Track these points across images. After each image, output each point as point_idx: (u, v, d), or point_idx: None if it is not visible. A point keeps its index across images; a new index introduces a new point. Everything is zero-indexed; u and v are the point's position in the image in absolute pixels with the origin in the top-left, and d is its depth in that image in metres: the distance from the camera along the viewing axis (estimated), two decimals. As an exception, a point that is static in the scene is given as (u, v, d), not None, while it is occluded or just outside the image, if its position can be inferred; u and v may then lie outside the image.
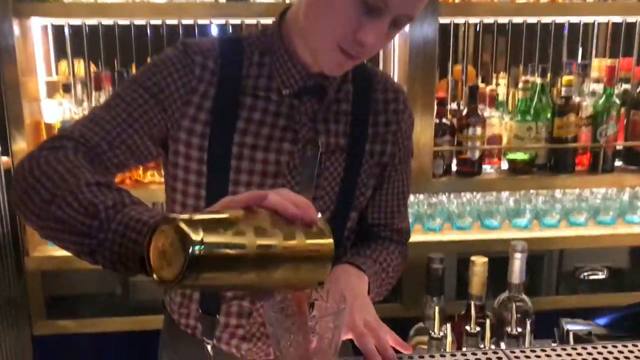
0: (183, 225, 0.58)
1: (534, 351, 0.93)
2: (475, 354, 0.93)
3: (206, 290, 0.65)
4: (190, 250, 0.57)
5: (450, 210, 2.23)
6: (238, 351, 1.15)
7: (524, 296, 1.27)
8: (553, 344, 1.05)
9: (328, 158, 1.08)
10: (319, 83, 1.06)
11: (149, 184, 2.06)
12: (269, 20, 1.93)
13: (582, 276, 2.27)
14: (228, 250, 0.60)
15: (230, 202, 0.70)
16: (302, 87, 1.05)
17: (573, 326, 1.28)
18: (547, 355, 0.92)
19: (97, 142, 0.94)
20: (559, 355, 0.92)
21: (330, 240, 0.71)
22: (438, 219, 2.21)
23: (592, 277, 2.27)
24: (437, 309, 1.13)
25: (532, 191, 2.29)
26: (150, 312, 2.08)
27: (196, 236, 0.58)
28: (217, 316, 1.11)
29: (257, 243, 0.62)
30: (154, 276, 0.62)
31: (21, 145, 1.93)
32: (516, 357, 0.92)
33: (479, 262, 1.23)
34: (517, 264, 1.24)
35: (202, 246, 0.58)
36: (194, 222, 0.59)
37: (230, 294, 1.11)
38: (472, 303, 1.16)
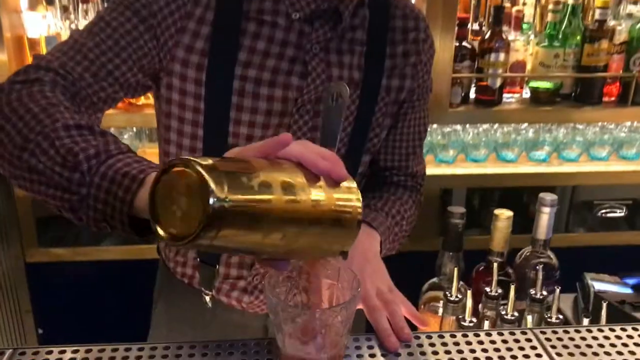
0: (205, 173, 0.47)
1: (567, 332, 0.83)
2: (502, 334, 0.83)
3: (221, 252, 0.55)
4: (213, 204, 0.47)
5: (465, 141, 2.09)
6: (239, 303, 1.06)
7: (549, 252, 1.16)
8: (585, 321, 0.95)
9: None
10: (333, 6, 0.91)
11: (142, 107, 1.91)
12: None
13: (599, 213, 2.16)
14: (254, 206, 0.50)
15: (244, 151, 0.59)
16: (315, 11, 0.91)
17: (599, 284, 1.18)
18: (582, 338, 0.82)
19: (80, 74, 0.81)
20: (594, 338, 0.83)
21: (360, 202, 0.61)
22: (452, 150, 2.07)
23: (610, 215, 2.16)
24: (455, 271, 1.02)
25: (552, 124, 2.14)
26: (148, 240, 2.00)
27: (220, 190, 0.47)
28: (217, 266, 1.02)
29: (284, 199, 0.52)
30: (159, 231, 0.51)
31: (1, 58, 1.76)
32: (547, 338, 0.82)
33: (503, 217, 1.11)
34: (545, 218, 1.12)
35: (226, 201, 0.48)
36: (216, 171, 0.48)
37: None
38: (494, 264, 1.05)
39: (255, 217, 0.50)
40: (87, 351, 0.77)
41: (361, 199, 0.61)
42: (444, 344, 0.80)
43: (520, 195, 2.24)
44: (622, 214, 2.18)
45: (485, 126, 2.12)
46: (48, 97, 0.74)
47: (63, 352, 0.77)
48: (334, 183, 0.59)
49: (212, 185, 0.47)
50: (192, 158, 0.49)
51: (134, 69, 0.87)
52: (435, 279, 1.18)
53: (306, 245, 0.58)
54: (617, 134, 2.14)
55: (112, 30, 0.85)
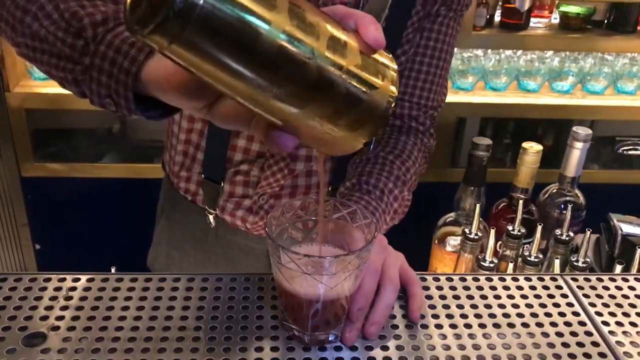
0: None
1: (600, 280, 0.76)
2: (529, 279, 0.76)
3: (193, 74, 0.39)
4: None
5: (486, 67, 1.96)
6: (243, 223, 1.00)
7: (576, 191, 1.08)
8: (619, 267, 0.88)
9: None
10: None
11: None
12: None
13: (620, 150, 2.07)
14: (242, 13, 0.35)
15: None
16: None
17: (627, 227, 1.11)
18: (618, 288, 0.75)
19: None
20: (631, 288, 0.75)
21: (396, 85, 0.46)
22: (470, 77, 1.95)
23: (631, 152, 2.07)
24: (477, 207, 0.94)
25: (580, 52, 2.01)
26: (149, 157, 1.93)
27: None
28: (222, 183, 0.97)
29: (286, 26, 0.37)
30: (127, 10, 0.38)
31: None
32: (579, 286, 0.75)
33: (532, 151, 1.02)
34: (576, 154, 1.03)
35: None
36: None
37: (238, 157, 0.93)
38: (519, 202, 0.97)
39: (241, 31, 0.36)
40: (75, 280, 0.71)
41: (397, 79, 0.46)
42: (466, 288, 0.73)
43: (537, 127, 2.15)
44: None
45: (508, 52, 1.99)
46: None
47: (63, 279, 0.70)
48: (367, 47, 0.44)
49: None
50: None
51: None
52: (452, 214, 1.11)
53: (312, 115, 0.43)
54: (647, 66, 2.01)
55: None
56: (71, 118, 2.02)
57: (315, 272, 0.57)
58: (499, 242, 1.03)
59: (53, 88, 1.83)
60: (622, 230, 1.08)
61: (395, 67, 0.47)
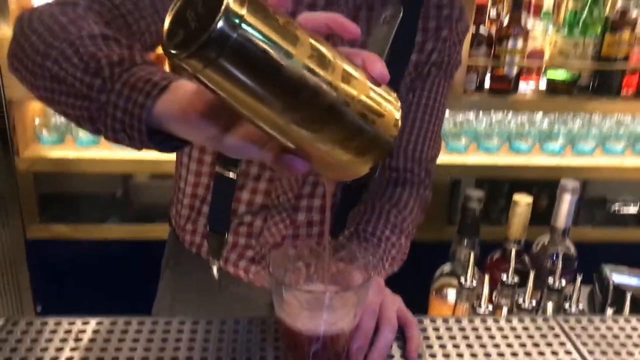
0: None
1: (591, 321, 0.79)
2: (523, 320, 0.79)
3: (220, 97, 0.43)
4: (225, 13, 0.39)
5: (478, 130, 2.04)
6: (246, 274, 1.03)
7: (568, 242, 1.12)
8: (610, 310, 0.90)
9: None
10: None
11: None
12: None
13: (612, 209, 2.12)
14: (270, 45, 0.41)
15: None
16: None
17: (619, 277, 1.14)
18: (608, 328, 0.78)
19: (121, 2, 0.79)
20: (621, 329, 0.78)
21: (398, 112, 0.51)
22: (464, 139, 2.02)
23: (623, 211, 2.11)
24: (472, 255, 0.98)
25: (568, 114, 2.09)
26: (152, 219, 1.97)
27: (237, 6, 0.40)
28: (226, 235, 1.00)
29: (309, 54, 0.43)
30: (164, 38, 0.44)
31: (6, 32, 1.72)
32: (571, 327, 0.78)
33: (522, 202, 1.07)
34: (566, 206, 1.08)
35: (241, 19, 0.40)
36: None
37: (242, 208, 0.98)
38: (512, 250, 1.00)
39: (268, 60, 0.41)
40: (85, 323, 0.73)
41: (400, 110, 0.51)
42: (462, 329, 0.76)
43: (532, 187, 2.19)
44: (635, 211, 2.13)
45: (499, 116, 2.07)
46: (79, 14, 0.72)
47: (59, 323, 0.73)
48: (373, 80, 0.50)
49: (233, 2, 0.39)
50: None
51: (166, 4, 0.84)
52: (448, 265, 1.14)
53: (325, 139, 0.47)
54: (633, 128, 2.09)
55: None
56: (76, 182, 2.08)
57: (315, 307, 0.61)
58: (494, 292, 1.06)
59: (60, 151, 1.90)
60: (613, 280, 1.11)
61: (397, 98, 0.52)
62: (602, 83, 1.99)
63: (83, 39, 0.65)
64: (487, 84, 1.98)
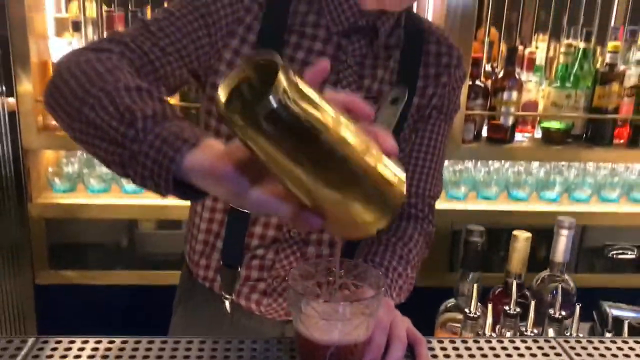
0: (281, 70, 0.48)
1: (591, 342, 0.83)
2: (525, 341, 0.83)
3: (254, 154, 0.51)
4: (274, 95, 0.47)
5: (477, 178, 2.11)
6: (258, 307, 1.07)
7: (566, 276, 1.16)
8: (608, 334, 0.94)
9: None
10: (371, 22, 0.96)
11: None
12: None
13: (610, 254, 2.16)
14: (308, 120, 0.49)
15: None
16: (353, 26, 0.96)
17: (618, 311, 1.18)
18: (607, 348, 0.82)
19: (150, 48, 0.88)
20: (619, 349, 0.82)
21: (404, 185, 0.59)
22: (463, 187, 2.09)
23: (621, 257, 2.16)
24: (475, 287, 1.03)
25: (563, 163, 2.16)
26: (157, 266, 2.00)
27: (287, 84, 0.48)
28: (239, 268, 1.05)
29: (337, 129, 0.51)
30: (220, 91, 0.52)
31: (26, 87, 1.81)
32: (571, 347, 0.82)
33: (522, 238, 1.12)
34: (563, 241, 1.13)
35: (288, 97, 0.48)
36: (289, 74, 0.49)
37: (255, 242, 1.03)
38: (513, 282, 1.05)
39: (309, 130, 0.50)
40: (97, 342, 0.77)
41: (405, 181, 0.60)
42: (468, 348, 0.80)
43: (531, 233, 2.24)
44: (633, 256, 2.18)
45: (497, 165, 2.14)
46: (114, 63, 0.78)
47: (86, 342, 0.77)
48: (386, 153, 0.58)
49: (284, 78, 0.48)
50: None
51: (192, 55, 0.93)
52: (452, 300, 1.18)
53: (344, 200, 0.55)
54: (627, 176, 2.16)
55: (175, 19, 0.92)
56: (86, 229, 2.12)
57: (331, 317, 0.65)
58: (497, 325, 1.10)
59: (71, 199, 1.95)
60: (612, 312, 1.15)
61: (403, 169, 0.60)
62: (595, 133, 2.07)
63: (119, 90, 0.71)
64: (484, 134, 2.06)
